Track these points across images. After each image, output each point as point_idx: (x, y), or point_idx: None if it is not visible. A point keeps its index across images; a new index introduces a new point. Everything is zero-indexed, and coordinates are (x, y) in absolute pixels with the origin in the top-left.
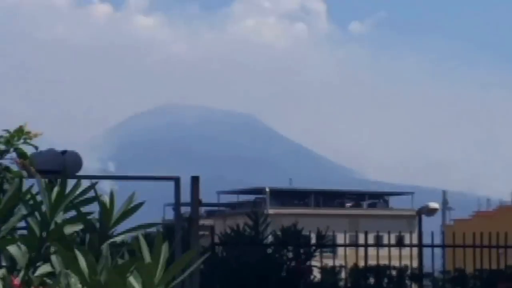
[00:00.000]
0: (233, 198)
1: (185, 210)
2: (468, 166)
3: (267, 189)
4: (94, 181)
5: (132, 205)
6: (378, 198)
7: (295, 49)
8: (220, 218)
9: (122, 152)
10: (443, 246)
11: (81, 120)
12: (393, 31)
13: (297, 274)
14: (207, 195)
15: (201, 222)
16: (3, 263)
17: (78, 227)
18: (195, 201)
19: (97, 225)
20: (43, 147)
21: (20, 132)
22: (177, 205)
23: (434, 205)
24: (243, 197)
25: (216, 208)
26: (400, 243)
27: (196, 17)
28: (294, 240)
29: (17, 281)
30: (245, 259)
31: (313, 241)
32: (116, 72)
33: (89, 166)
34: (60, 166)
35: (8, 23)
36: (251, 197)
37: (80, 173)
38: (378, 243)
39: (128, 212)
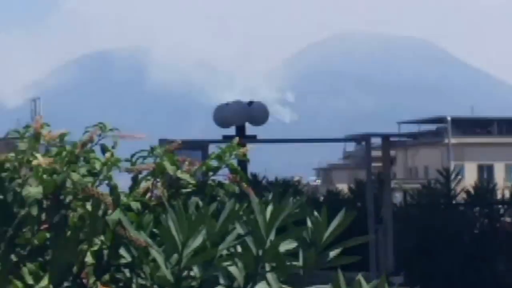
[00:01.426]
0: (414, 128)
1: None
2: None
3: (449, 118)
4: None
5: (342, 218)
6: None
7: None
8: (402, 149)
9: (301, 82)
10: None
11: (259, 51)
12: None
13: (490, 231)
14: (387, 124)
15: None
16: (221, 281)
17: (293, 245)
18: (386, 161)
19: (308, 240)
20: (224, 81)
21: (231, 148)
22: (368, 164)
23: None
24: (424, 127)
25: (396, 138)
26: None
27: None
28: (486, 197)
29: None
30: (437, 216)
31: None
32: (291, 1)
33: (267, 96)
34: (247, 118)
35: None
36: (433, 127)
37: (259, 104)
38: None
39: (341, 225)
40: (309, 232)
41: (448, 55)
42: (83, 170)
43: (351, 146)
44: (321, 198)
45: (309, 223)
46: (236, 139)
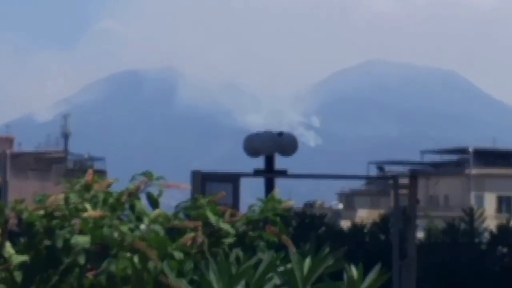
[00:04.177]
0: (436, 157)
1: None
2: None
3: (471, 149)
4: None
5: (377, 275)
6: None
7: (501, 6)
8: (423, 177)
9: (327, 107)
10: None
11: (286, 75)
12: None
13: (509, 270)
14: (411, 152)
15: (404, 181)
16: None
17: None
18: (413, 200)
19: None
20: (251, 103)
21: (272, 201)
22: (396, 202)
23: None
24: (447, 157)
25: (419, 167)
26: None
27: None
28: (508, 238)
29: None
30: (460, 255)
31: None
32: (321, 28)
33: (292, 119)
34: (277, 148)
35: None
36: (455, 157)
37: (284, 128)
38: None
39: (376, 283)
40: (345, 285)
41: (473, 87)
42: (131, 225)
43: (372, 171)
44: (344, 227)
45: (345, 278)
46: (277, 192)
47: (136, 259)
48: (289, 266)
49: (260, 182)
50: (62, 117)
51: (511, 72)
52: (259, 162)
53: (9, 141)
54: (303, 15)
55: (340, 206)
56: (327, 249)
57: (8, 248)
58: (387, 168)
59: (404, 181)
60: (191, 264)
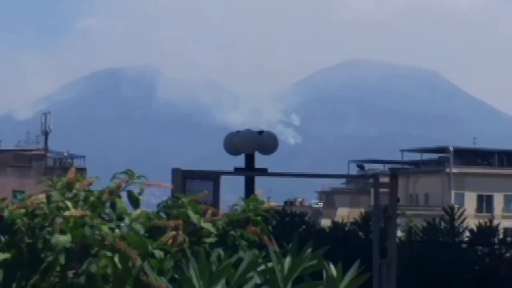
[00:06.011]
0: (416, 156)
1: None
2: None
3: (451, 148)
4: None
5: (356, 274)
6: None
7: (481, 7)
8: (404, 176)
9: (307, 106)
10: None
11: (267, 73)
12: None
13: (489, 271)
14: (391, 151)
15: (384, 180)
16: None
17: None
18: (393, 199)
19: None
20: (230, 101)
21: (254, 201)
22: (376, 201)
23: None
24: (427, 155)
25: (399, 165)
26: None
27: None
28: (489, 238)
29: None
30: (440, 254)
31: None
32: (302, 27)
33: (272, 118)
34: (257, 146)
35: None
36: (435, 156)
37: (263, 125)
38: None
39: (355, 282)
40: (324, 284)
41: (454, 87)
42: (111, 225)
43: (353, 170)
44: (324, 226)
45: (324, 277)
46: (260, 193)
47: (116, 258)
48: (270, 265)
49: (240, 179)
50: (42, 115)
51: (492, 72)
52: (239, 160)
53: None
54: (284, 14)
55: (321, 204)
56: (309, 249)
57: None
58: (368, 166)
59: (385, 179)
60: (171, 262)
